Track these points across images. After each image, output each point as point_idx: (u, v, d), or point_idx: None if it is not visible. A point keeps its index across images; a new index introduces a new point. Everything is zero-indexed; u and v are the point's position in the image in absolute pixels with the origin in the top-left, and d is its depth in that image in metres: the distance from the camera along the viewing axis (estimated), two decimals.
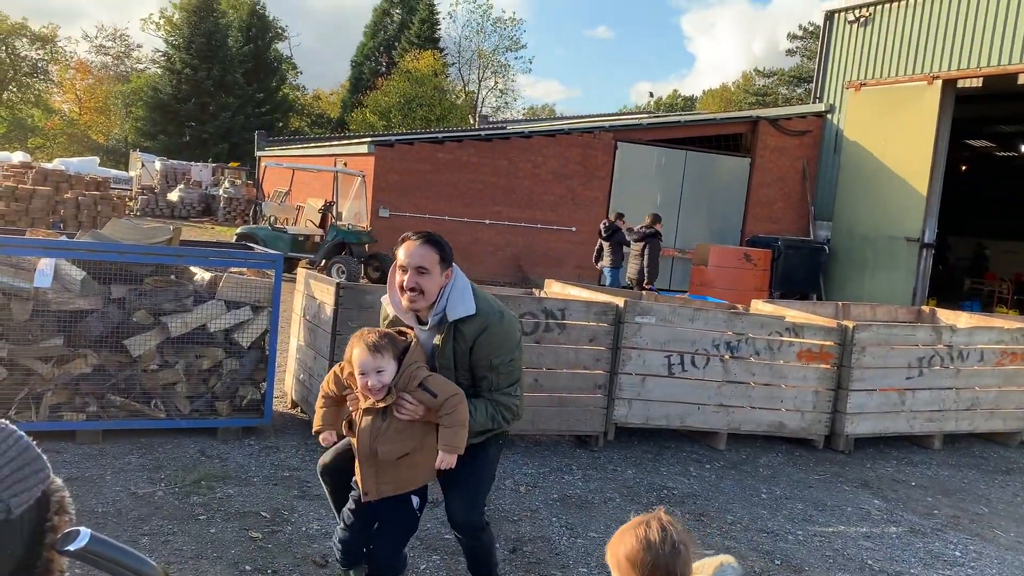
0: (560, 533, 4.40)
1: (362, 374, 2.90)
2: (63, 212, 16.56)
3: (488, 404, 3.10)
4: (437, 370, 3.07)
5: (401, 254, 3.05)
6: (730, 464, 6.02)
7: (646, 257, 12.15)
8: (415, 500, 3.05)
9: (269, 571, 3.60)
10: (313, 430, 3.16)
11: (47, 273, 4.86)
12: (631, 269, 12.52)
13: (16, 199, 15.97)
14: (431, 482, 3.10)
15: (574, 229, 17.28)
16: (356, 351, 2.92)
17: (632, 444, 6.18)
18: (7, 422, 1.02)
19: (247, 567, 3.62)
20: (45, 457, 1.08)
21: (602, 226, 13.29)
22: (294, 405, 6.18)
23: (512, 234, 16.64)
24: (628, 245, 12.92)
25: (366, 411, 2.95)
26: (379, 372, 2.88)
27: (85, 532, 1.07)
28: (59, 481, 1.15)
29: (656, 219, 12.53)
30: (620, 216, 13.39)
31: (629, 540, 1.81)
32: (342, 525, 3.15)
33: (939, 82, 15.72)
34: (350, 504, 3.12)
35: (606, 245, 13.10)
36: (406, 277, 3.02)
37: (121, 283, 5.10)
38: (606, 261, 13.10)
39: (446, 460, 2.94)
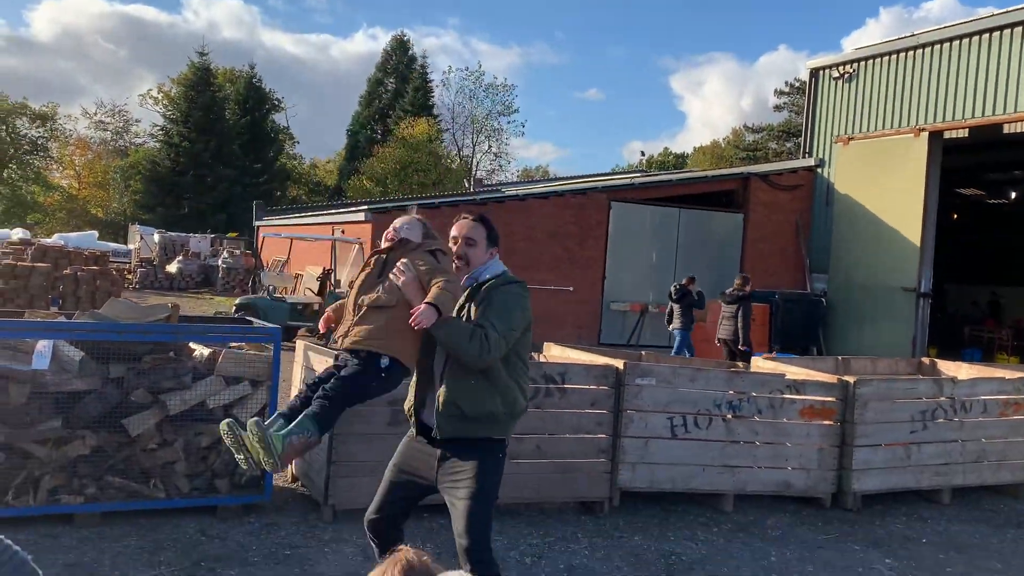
0: None
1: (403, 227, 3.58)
2: (62, 288, 16.61)
3: (475, 327, 3.26)
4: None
5: (454, 229, 3.49)
6: (738, 526, 5.94)
7: (740, 319, 12.33)
8: (382, 361, 3.36)
9: None
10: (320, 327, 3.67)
11: (45, 355, 4.86)
12: (723, 331, 12.67)
13: (15, 276, 16.03)
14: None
15: (572, 289, 17.32)
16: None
17: (638, 509, 6.10)
18: (2, 537, 1.01)
19: None
20: (40, 572, 1.06)
21: (672, 289, 13.56)
22: (294, 479, 6.12)
23: None
24: (700, 308, 13.26)
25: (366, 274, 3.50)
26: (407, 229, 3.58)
27: None
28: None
29: (746, 281, 12.72)
30: (692, 279, 13.60)
31: None
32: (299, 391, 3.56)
33: (926, 134, 15.95)
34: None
35: (676, 307, 13.34)
36: (455, 248, 3.46)
37: (119, 362, 5.09)
38: (676, 323, 13.35)
39: (423, 312, 3.17)
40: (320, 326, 3.69)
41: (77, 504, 4.91)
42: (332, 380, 3.41)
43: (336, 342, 3.48)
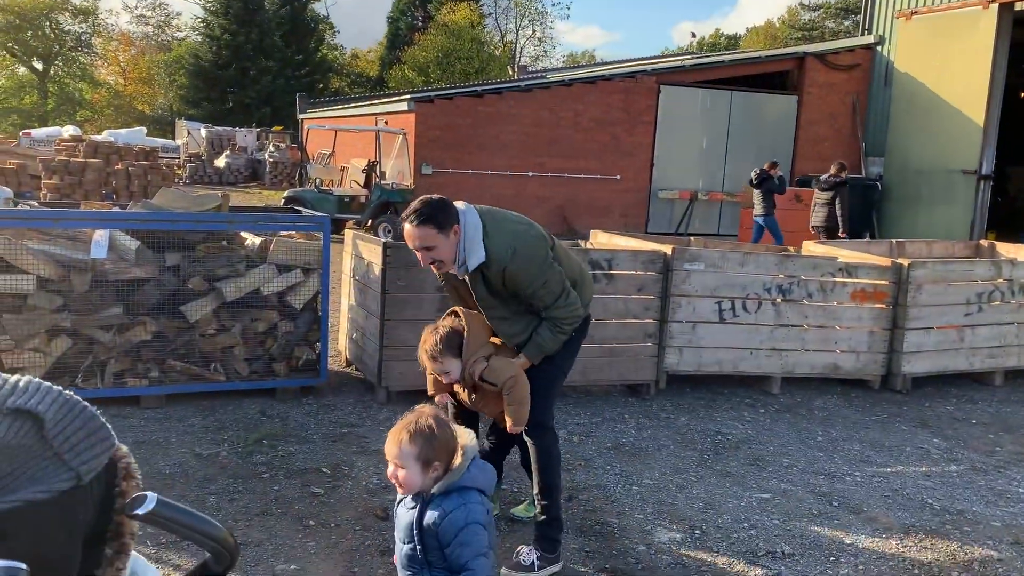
0: (615, 481, 4.43)
1: (443, 373, 3.34)
2: (115, 184, 16.89)
3: (547, 325, 3.35)
4: (482, 300, 3.35)
5: (406, 239, 3.23)
6: (784, 408, 5.99)
7: (837, 206, 12.26)
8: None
9: (332, 525, 3.70)
10: (429, 392, 3.56)
11: (102, 244, 4.98)
12: (816, 218, 12.59)
13: (69, 173, 16.32)
14: None
15: (619, 177, 17.09)
16: (422, 357, 3.34)
17: (684, 392, 6.17)
18: (72, 392, 1.05)
19: (311, 522, 3.73)
20: (109, 426, 1.12)
21: (753, 174, 13.36)
22: (348, 364, 6.29)
23: (556, 185, 16.53)
24: (780, 192, 13.11)
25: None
26: (447, 373, 3.31)
27: (152, 496, 1.10)
28: (124, 448, 1.19)
29: (842, 167, 12.55)
30: (774, 164, 13.36)
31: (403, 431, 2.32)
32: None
33: (995, 6, 15.04)
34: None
35: (756, 193, 13.16)
36: (420, 256, 3.24)
37: (174, 251, 5.20)
38: (757, 209, 13.19)
39: (514, 430, 3.36)
40: (437, 401, 3.56)
41: (142, 387, 5.13)
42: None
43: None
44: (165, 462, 4.32)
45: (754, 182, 13.21)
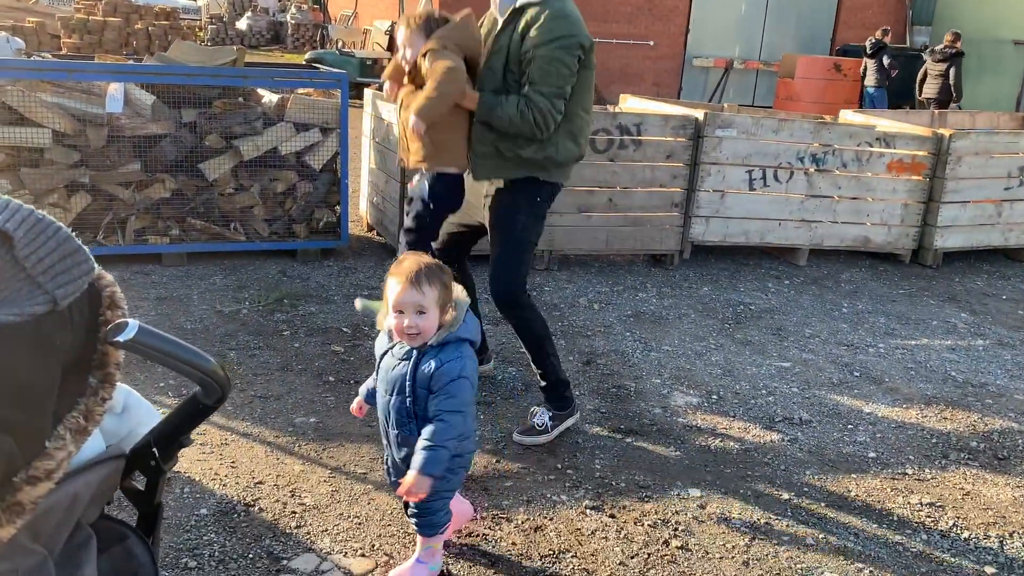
0: (633, 347, 4.42)
1: (407, 47, 3.16)
2: (135, 44, 16.54)
3: (519, 98, 3.08)
4: (491, 58, 3.16)
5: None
6: (810, 280, 5.89)
7: (951, 76, 11.93)
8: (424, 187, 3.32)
9: (351, 382, 3.73)
10: (382, 76, 3.45)
11: (118, 98, 4.86)
12: (928, 89, 12.29)
13: (88, 31, 15.99)
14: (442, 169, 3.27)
15: (652, 43, 16.44)
16: (400, 23, 3.26)
17: (708, 262, 6.08)
18: (44, 212, 0.98)
19: (330, 378, 3.76)
20: (87, 248, 1.04)
21: (868, 43, 12.90)
22: (369, 228, 6.24)
23: None
24: (895, 66, 12.78)
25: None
26: (407, 49, 3.14)
27: (134, 323, 1.05)
28: (109, 277, 1.13)
29: (957, 37, 12.15)
30: (887, 32, 12.87)
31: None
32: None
33: None
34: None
35: (870, 63, 12.75)
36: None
37: (190, 107, 5.08)
38: (869, 80, 12.82)
39: (414, 128, 3.05)
40: (386, 93, 3.48)
41: (163, 244, 5.12)
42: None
43: (402, 162, 3.42)
44: (187, 318, 4.35)
45: (868, 51, 12.84)
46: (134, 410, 1.30)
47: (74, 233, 1.00)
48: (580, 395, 3.77)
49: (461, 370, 2.21)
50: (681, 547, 2.71)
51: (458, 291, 2.28)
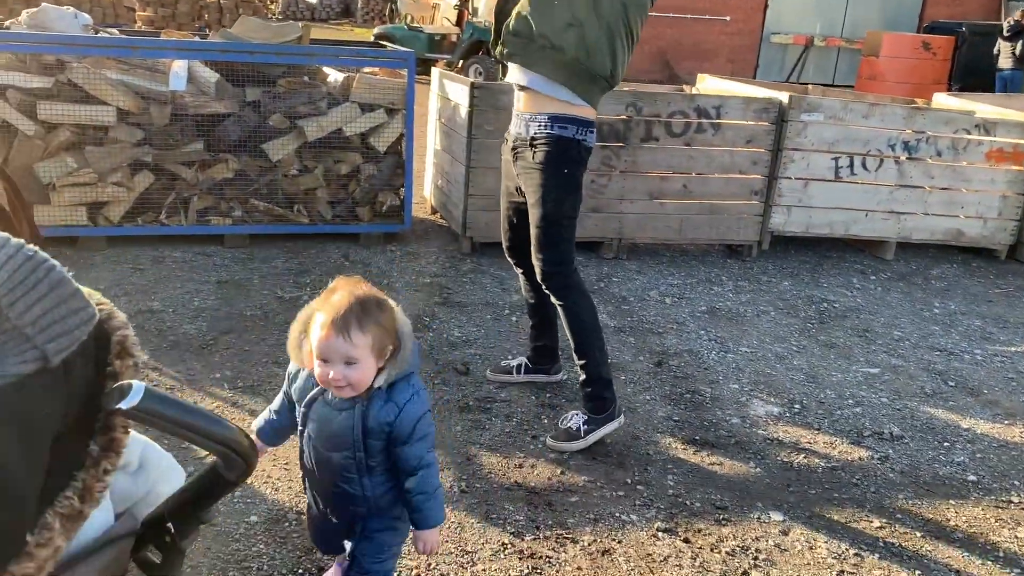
0: (709, 347, 4.16)
1: None
2: (207, 17, 16.66)
3: None
4: None
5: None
6: (898, 276, 5.53)
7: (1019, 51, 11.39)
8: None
9: None
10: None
11: (181, 75, 4.77)
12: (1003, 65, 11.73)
13: (162, 4, 16.15)
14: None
15: (728, 19, 15.87)
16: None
17: (788, 254, 5.76)
18: (36, 248, 0.80)
19: None
20: (85, 291, 0.86)
21: (1005, 24, 12.35)
22: (433, 211, 6.08)
23: (658, 25, 15.45)
24: None
25: None
26: None
27: (139, 386, 0.86)
28: (121, 317, 0.94)
29: None
30: None
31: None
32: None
33: None
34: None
35: (1005, 46, 12.19)
36: None
37: (254, 85, 4.96)
38: (1005, 62, 12.25)
39: None
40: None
41: (225, 225, 5.03)
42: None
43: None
44: (247, 304, 4.25)
45: (1006, 33, 12.16)
46: (152, 466, 1.13)
47: (71, 274, 0.82)
48: (651, 400, 3.55)
49: (422, 406, 1.83)
50: None
51: (399, 320, 1.81)
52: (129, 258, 4.76)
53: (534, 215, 3.05)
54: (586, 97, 2.97)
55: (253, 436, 1.98)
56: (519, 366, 3.62)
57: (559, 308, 3.13)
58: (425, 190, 6.31)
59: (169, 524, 1.04)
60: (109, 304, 0.93)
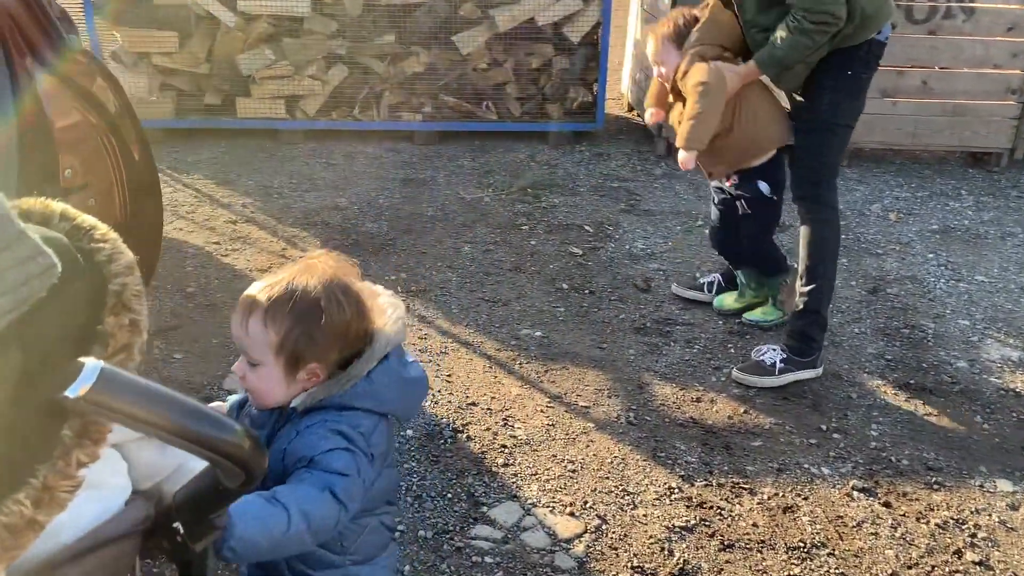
0: (936, 273, 3.59)
1: (660, 64, 2.89)
2: None
3: (785, 20, 2.53)
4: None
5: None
6: None
7: None
8: (762, 185, 2.89)
9: (586, 291, 3.33)
10: (646, 103, 3.12)
11: None
12: None
13: None
14: (768, 156, 2.86)
15: None
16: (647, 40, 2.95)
17: None
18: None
19: (564, 285, 3.38)
20: (37, 237, 0.64)
21: None
22: (630, 108, 5.66)
23: None
24: None
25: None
26: (661, 66, 2.87)
27: (92, 367, 0.62)
28: (127, 259, 0.71)
29: None
30: None
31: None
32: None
33: None
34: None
35: None
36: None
37: None
38: None
39: (681, 161, 2.83)
40: (649, 120, 3.15)
41: (416, 122, 4.94)
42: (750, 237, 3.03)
43: (710, 176, 3.06)
44: (429, 203, 4.14)
45: None
46: None
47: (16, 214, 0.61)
48: (860, 333, 3.10)
49: (336, 444, 1.23)
50: (979, 563, 2.08)
51: (377, 339, 1.30)
52: (323, 152, 4.79)
53: (800, 125, 2.77)
54: (875, 24, 2.58)
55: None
56: (711, 283, 3.27)
57: (804, 224, 2.76)
58: (623, 85, 5.89)
59: (176, 524, 0.85)
60: (112, 241, 0.73)
